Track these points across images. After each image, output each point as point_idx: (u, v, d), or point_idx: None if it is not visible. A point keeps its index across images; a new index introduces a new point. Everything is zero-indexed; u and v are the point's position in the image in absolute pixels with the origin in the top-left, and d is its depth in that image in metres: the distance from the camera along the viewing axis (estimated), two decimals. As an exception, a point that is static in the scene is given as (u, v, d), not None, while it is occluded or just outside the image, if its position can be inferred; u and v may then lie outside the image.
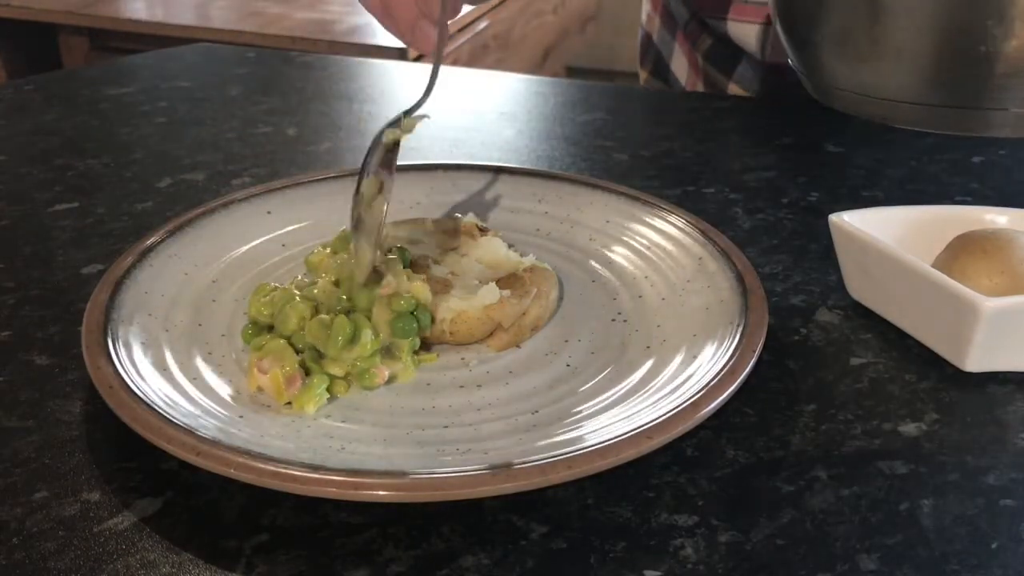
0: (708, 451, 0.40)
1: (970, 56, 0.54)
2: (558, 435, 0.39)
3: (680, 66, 0.92)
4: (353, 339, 0.42)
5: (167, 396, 0.40)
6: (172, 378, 0.42)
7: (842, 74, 0.61)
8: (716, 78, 0.88)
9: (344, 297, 0.45)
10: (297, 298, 0.45)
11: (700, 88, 0.90)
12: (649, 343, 0.46)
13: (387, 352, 0.44)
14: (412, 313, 0.44)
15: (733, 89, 0.87)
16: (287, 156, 0.72)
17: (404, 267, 0.48)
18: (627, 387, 0.43)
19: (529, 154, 0.72)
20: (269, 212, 0.55)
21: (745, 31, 0.82)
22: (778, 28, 0.66)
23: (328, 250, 0.50)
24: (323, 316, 0.43)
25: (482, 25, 2.12)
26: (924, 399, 0.44)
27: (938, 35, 0.55)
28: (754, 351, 0.42)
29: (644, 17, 0.97)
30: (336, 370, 0.42)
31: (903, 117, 0.59)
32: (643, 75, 0.98)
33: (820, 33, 0.61)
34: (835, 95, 0.64)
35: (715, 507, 0.37)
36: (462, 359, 0.46)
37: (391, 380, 0.44)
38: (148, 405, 0.38)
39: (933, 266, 0.46)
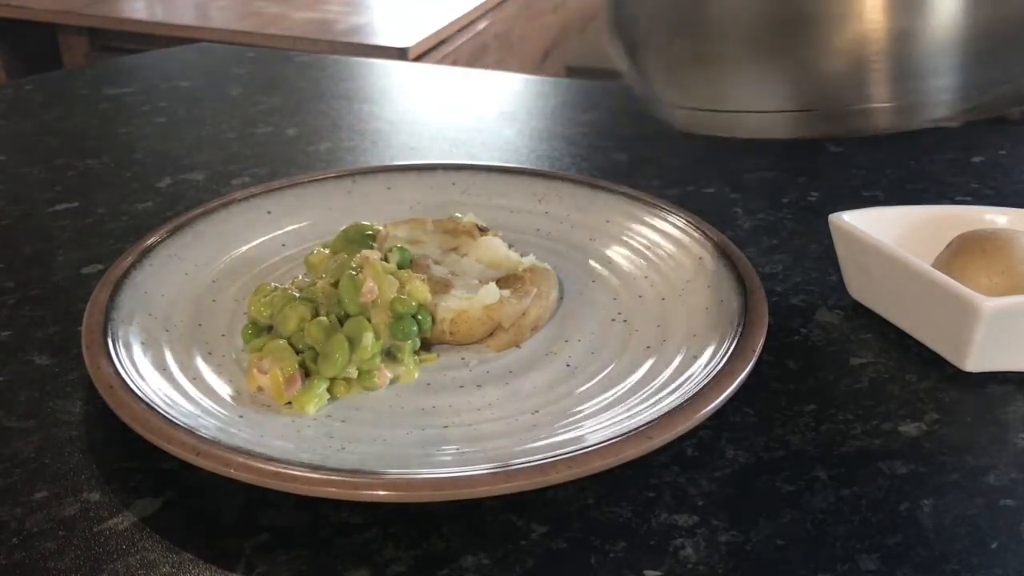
0: (708, 451, 0.40)
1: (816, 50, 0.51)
2: (558, 435, 0.39)
3: None
4: (352, 349, 0.42)
5: (167, 396, 0.40)
6: (172, 378, 0.42)
7: (678, 90, 0.57)
8: None
9: (339, 303, 0.44)
10: (297, 299, 0.45)
11: None
12: (649, 343, 0.46)
13: (388, 354, 0.44)
14: (413, 316, 0.44)
15: None
16: (287, 156, 0.72)
17: (404, 267, 0.48)
18: (627, 387, 0.42)
19: (529, 154, 0.72)
20: (269, 212, 0.55)
21: None
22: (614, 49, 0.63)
23: (328, 250, 0.50)
24: (322, 318, 0.43)
25: (482, 25, 2.11)
26: (924, 399, 0.44)
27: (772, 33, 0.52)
28: (754, 351, 0.42)
29: None
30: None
31: (748, 128, 0.56)
32: None
33: (649, 51, 0.57)
34: (674, 114, 0.60)
35: (715, 507, 0.37)
36: (462, 359, 0.46)
37: (392, 381, 0.44)
38: (148, 405, 0.38)
39: (933, 266, 0.46)
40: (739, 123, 0.56)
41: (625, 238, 0.54)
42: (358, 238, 0.51)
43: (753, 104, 0.54)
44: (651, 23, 0.55)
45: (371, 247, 0.49)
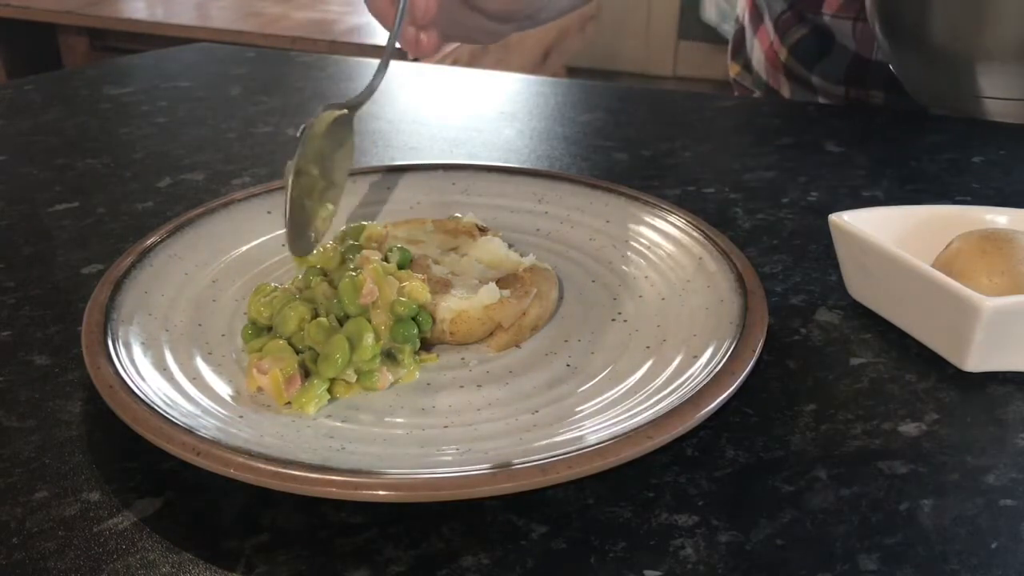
0: (708, 451, 0.40)
1: None
2: (558, 435, 0.39)
3: (758, 59, 0.94)
4: (352, 350, 0.42)
5: (167, 396, 0.40)
6: (172, 378, 0.42)
7: (942, 78, 0.70)
8: (798, 71, 0.89)
9: (339, 304, 0.44)
10: (297, 299, 0.45)
11: (781, 81, 0.91)
12: (649, 343, 0.46)
13: (388, 354, 0.44)
14: (413, 318, 0.44)
15: (815, 82, 0.88)
16: (287, 156, 0.72)
17: (404, 267, 0.48)
18: (627, 387, 0.43)
19: (529, 154, 0.72)
20: (269, 212, 0.55)
21: (839, 24, 0.83)
22: (876, 30, 0.70)
23: (329, 245, 0.50)
24: (322, 319, 0.43)
25: (482, 25, 2.11)
26: (924, 399, 0.44)
27: None
28: (754, 351, 0.42)
29: (739, 10, 0.98)
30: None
31: (996, 112, 0.70)
32: (735, 69, 1.00)
33: (921, 37, 0.67)
34: (935, 99, 0.73)
35: (715, 507, 0.37)
36: (462, 359, 0.46)
37: (393, 382, 0.44)
38: (148, 405, 0.38)
39: (933, 266, 0.46)
40: (985, 107, 0.70)
41: (625, 238, 0.54)
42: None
43: (1001, 93, 0.70)
44: (925, 20, 0.69)
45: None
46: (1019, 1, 0.64)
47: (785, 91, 0.92)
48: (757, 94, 0.96)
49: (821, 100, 0.89)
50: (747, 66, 0.97)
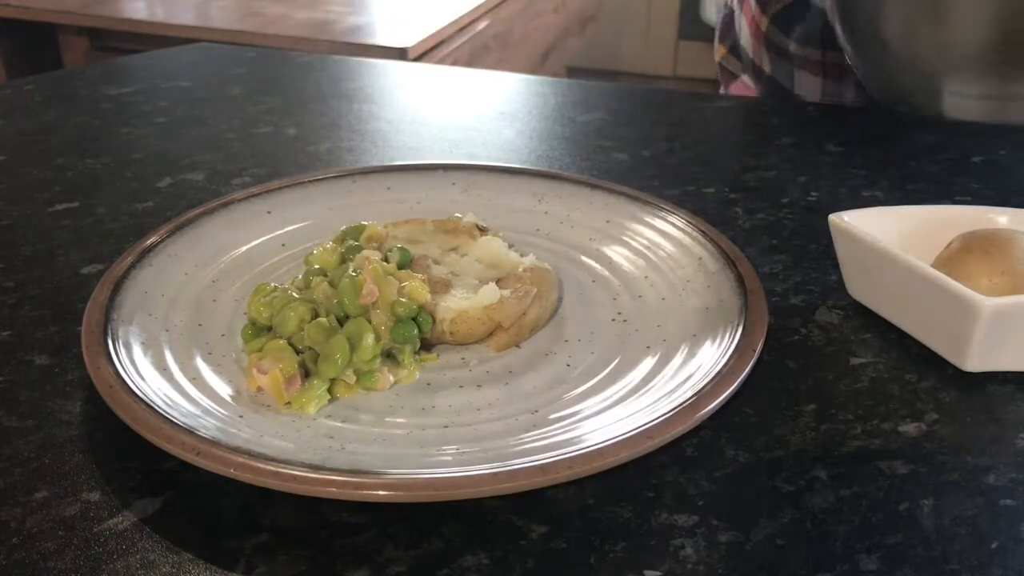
0: (708, 451, 0.40)
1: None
2: (558, 435, 0.39)
3: (745, 37, 0.95)
4: (353, 350, 0.42)
5: (167, 396, 0.40)
6: (172, 378, 0.42)
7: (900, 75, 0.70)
8: (779, 40, 0.90)
9: (339, 304, 0.44)
10: (297, 299, 0.45)
11: (763, 55, 0.92)
12: (649, 343, 0.46)
13: (388, 355, 0.44)
14: (413, 319, 0.44)
15: (794, 49, 0.89)
16: (287, 156, 0.72)
17: (404, 267, 0.48)
18: (627, 387, 0.43)
19: (529, 154, 0.72)
20: (269, 212, 0.55)
21: None
22: (838, 31, 0.71)
23: (329, 245, 0.50)
24: (322, 319, 0.43)
25: (482, 25, 2.12)
26: (924, 399, 0.44)
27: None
28: (754, 351, 0.42)
29: None
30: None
31: (964, 110, 0.69)
32: (721, 52, 1.01)
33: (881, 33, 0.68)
34: (893, 96, 0.73)
35: (715, 507, 0.37)
36: (462, 359, 0.46)
37: (393, 382, 0.44)
38: (148, 405, 0.38)
39: (933, 266, 0.46)
40: (945, 105, 0.69)
41: (625, 238, 0.54)
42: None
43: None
44: (880, 18, 0.68)
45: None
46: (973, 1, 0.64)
47: (766, 66, 0.92)
48: (741, 78, 0.97)
49: (798, 72, 0.89)
50: (733, 48, 0.98)
